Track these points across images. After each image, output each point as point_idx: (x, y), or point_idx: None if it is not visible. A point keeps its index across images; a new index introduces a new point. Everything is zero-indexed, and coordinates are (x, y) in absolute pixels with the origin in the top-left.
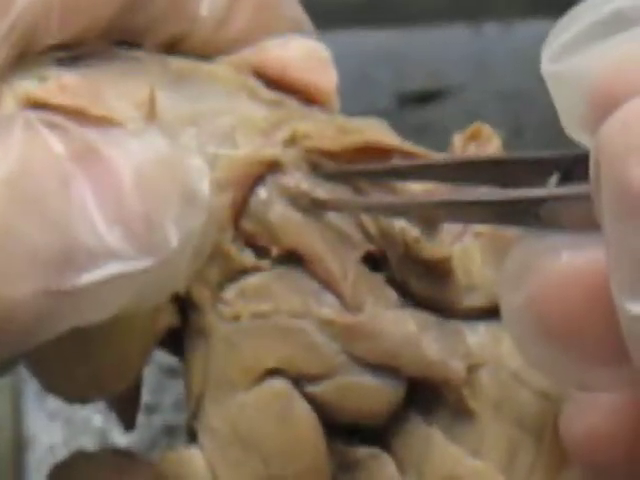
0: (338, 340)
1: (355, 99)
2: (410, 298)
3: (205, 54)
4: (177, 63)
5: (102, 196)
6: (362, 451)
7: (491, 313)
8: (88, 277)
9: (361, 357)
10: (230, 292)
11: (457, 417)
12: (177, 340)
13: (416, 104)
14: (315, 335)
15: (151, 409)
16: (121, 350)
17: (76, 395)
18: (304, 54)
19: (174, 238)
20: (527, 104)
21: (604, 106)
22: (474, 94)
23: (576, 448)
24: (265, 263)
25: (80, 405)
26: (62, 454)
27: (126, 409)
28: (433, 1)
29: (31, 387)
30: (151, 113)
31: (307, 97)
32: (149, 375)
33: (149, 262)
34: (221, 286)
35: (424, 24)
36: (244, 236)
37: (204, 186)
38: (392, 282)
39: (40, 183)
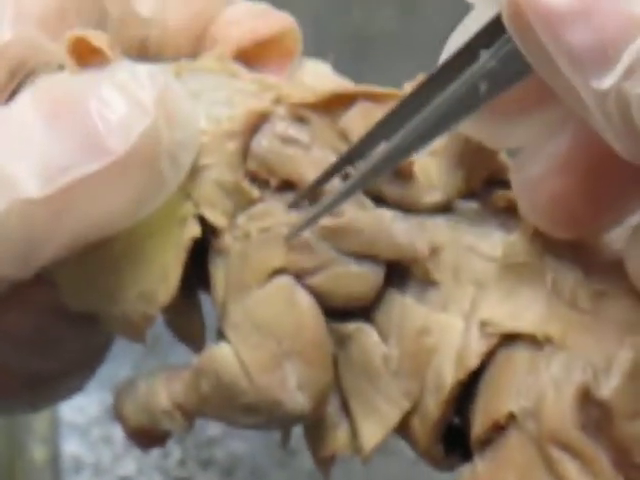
0: (327, 239)
1: None
2: (382, 202)
3: (173, 54)
4: (170, 66)
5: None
6: (350, 326)
7: (448, 209)
8: (54, 185)
9: (346, 250)
10: (241, 218)
11: (425, 286)
12: (204, 268)
13: None
14: (309, 238)
15: None
16: (161, 263)
17: (134, 317)
18: (252, 13)
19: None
20: None
21: None
22: None
23: (524, 193)
24: (267, 193)
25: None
26: None
27: (190, 338)
28: None
29: None
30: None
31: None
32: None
33: (98, 165)
34: (234, 215)
35: None
36: (249, 174)
37: (147, 94)
38: (367, 192)
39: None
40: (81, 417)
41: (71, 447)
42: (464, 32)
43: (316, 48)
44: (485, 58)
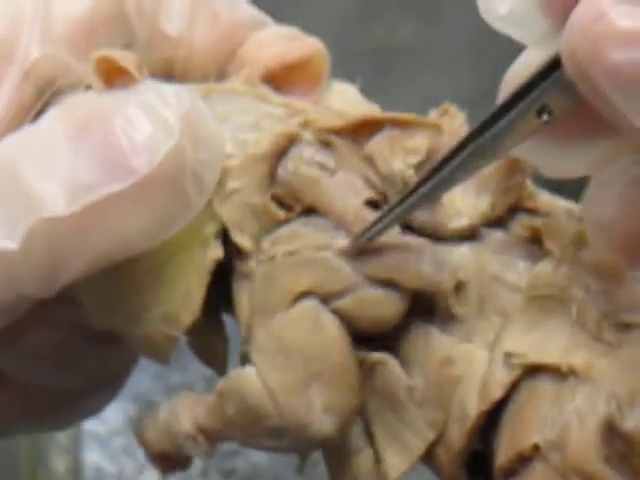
0: (353, 263)
1: None
2: (408, 227)
3: (199, 76)
4: (199, 87)
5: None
6: (373, 357)
7: (472, 236)
8: (79, 203)
9: (372, 275)
10: (266, 242)
11: (450, 317)
12: (227, 291)
13: None
14: (335, 261)
15: None
16: (184, 284)
17: (157, 338)
18: (282, 36)
19: (144, 162)
20: None
21: None
22: None
23: (597, 232)
24: (292, 216)
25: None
26: None
27: (212, 360)
28: None
29: None
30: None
31: (307, 70)
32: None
33: (123, 184)
34: (259, 239)
35: None
36: (275, 197)
37: (173, 114)
38: None
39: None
40: (102, 427)
41: (93, 457)
42: (519, 74)
43: (338, 62)
44: (544, 88)
